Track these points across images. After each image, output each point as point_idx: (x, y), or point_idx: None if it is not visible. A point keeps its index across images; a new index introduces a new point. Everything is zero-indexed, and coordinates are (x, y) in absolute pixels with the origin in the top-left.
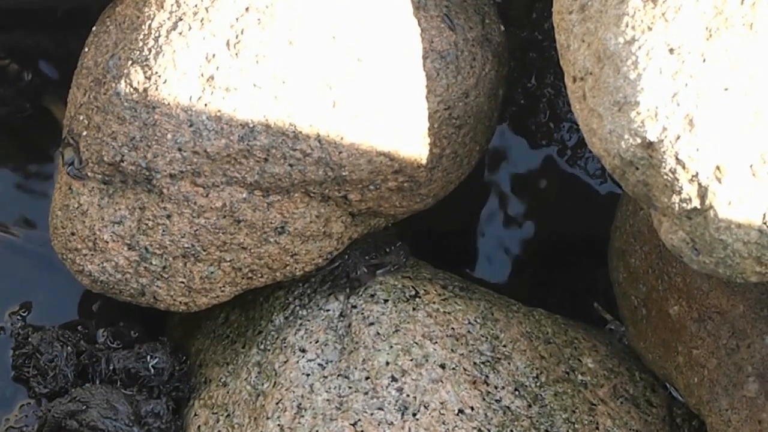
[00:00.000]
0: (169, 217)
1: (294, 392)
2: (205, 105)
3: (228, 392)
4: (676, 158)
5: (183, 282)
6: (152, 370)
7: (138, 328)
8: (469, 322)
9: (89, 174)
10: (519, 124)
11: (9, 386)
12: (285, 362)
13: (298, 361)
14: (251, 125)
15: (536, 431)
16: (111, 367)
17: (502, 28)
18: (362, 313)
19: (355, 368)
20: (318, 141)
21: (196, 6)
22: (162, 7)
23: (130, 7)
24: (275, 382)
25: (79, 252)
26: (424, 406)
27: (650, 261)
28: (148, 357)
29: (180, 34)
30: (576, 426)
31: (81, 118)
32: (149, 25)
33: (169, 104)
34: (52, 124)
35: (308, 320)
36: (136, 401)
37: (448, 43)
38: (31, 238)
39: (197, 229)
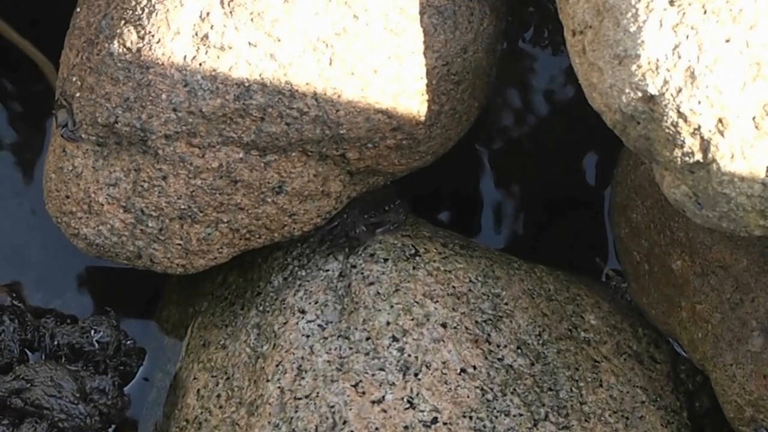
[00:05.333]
0: (164, 178)
1: (294, 354)
2: (200, 64)
3: (227, 355)
4: (678, 111)
5: (180, 244)
6: (96, 345)
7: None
8: (470, 281)
9: (83, 136)
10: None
11: None
12: (284, 324)
13: (297, 323)
14: (247, 84)
15: (539, 389)
16: (55, 343)
17: None
18: (362, 273)
19: (356, 329)
20: (315, 99)
21: None
22: None
23: None
24: (275, 344)
25: (74, 215)
26: (426, 366)
27: (652, 216)
28: (92, 331)
29: None
30: (579, 383)
31: (74, 79)
32: None
33: (163, 64)
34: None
35: (307, 281)
36: (81, 377)
37: None
38: None
39: (194, 190)
